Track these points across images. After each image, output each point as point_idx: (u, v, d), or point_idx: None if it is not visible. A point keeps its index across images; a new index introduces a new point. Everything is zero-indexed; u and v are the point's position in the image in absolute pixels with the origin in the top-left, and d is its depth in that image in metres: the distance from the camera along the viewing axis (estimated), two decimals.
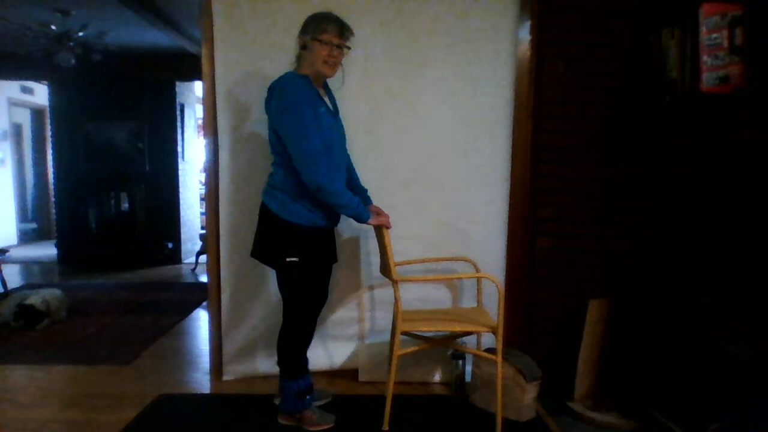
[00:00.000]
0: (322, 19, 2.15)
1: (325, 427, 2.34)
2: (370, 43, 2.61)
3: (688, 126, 2.38)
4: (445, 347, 2.74)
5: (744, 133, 2.03)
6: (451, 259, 2.75)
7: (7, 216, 7.99)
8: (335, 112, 2.35)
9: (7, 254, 5.20)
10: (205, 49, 2.69)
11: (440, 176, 2.76)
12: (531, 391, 2.45)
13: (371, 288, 2.84)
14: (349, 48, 2.21)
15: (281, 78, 2.17)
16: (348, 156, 2.46)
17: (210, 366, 2.91)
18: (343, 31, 2.16)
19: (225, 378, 2.86)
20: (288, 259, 2.20)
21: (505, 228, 2.79)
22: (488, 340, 2.70)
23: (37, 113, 8.57)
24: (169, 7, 4.75)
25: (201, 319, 4.12)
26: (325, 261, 2.37)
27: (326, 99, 2.29)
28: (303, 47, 2.17)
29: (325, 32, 2.13)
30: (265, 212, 2.24)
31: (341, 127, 2.34)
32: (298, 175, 2.11)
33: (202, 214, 7.19)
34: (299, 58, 2.21)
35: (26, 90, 8.10)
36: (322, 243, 2.32)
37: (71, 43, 5.02)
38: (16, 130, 8.75)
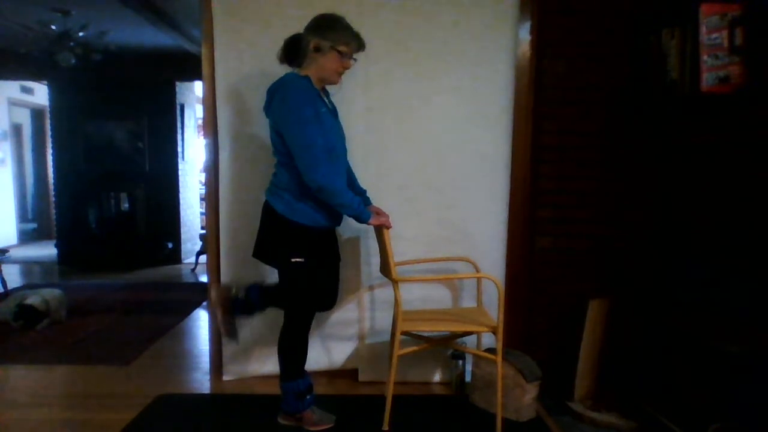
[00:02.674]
0: (344, 29, 2.16)
1: (325, 427, 2.34)
2: (369, 45, 2.60)
3: (688, 126, 2.38)
4: (445, 347, 2.74)
5: (744, 133, 2.03)
6: (451, 259, 2.75)
7: (7, 216, 7.99)
8: (335, 113, 2.35)
9: (7, 254, 5.20)
10: (205, 49, 2.69)
11: (440, 176, 2.76)
12: (531, 391, 2.45)
13: (371, 288, 2.84)
14: (356, 60, 2.24)
15: (282, 80, 2.16)
16: (347, 158, 2.46)
17: (210, 366, 2.91)
18: (361, 46, 2.21)
19: (225, 378, 2.86)
20: (293, 260, 2.20)
21: (505, 228, 2.79)
22: (488, 340, 2.70)
23: (37, 113, 8.57)
24: (169, 7, 4.75)
25: (201, 319, 4.12)
26: (329, 261, 2.37)
27: (326, 100, 2.29)
28: (316, 50, 2.15)
29: (347, 45, 2.16)
30: (269, 212, 2.24)
31: (341, 128, 2.35)
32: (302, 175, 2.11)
33: (202, 214, 7.19)
34: (306, 58, 2.20)
35: (26, 90, 8.11)
36: (326, 243, 2.33)
37: (71, 43, 5.02)
38: (16, 130, 8.76)
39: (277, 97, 2.12)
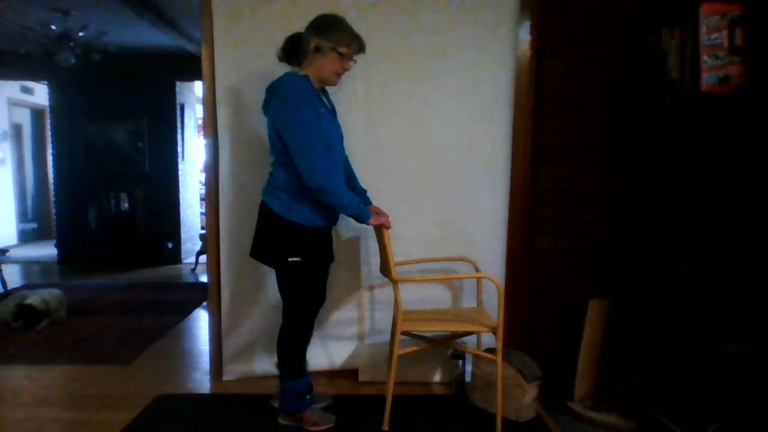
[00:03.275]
0: (344, 30, 2.16)
1: (325, 427, 2.34)
2: (370, 45, 2.60)
3: (688, 126, 2.38)
4: (445, 347, 2.74)
5: (744, 133, 2.03)
6: (451, 259, 2.75)
7: (7, 216, 7.99)
8: (334, 113, 2.35)
9: (7, 254, 5.20)
10: (205, 49, 2.69)
11: (440, 176, 2.76)
12: (531, 391, 2.45)
13: (371, 288, 2.84)
14: (356, 61, 2.24)
15: (281, 79, 2.16)
16: (346, 157, 2.46)
17: (210, 366, 2.91)
18: (361, 48, 2.21)
19: (225, 378, 2.86)
20: (290, 259, 2.20)
21: (505, 228, 2.79)
22: (488, 340, 2.70)
23: (37, 113, 8.57)
24: (169, 7, 4.75)
25: (201, 319, 4.12)
26: (325, 260, 2.37)
27: (325, 100, 2.29)
28: (316, 50, 2.15)
29: (347, 47, 2.16)
30: (266, 212, 2.24)
31: (339, 127, 2.35)
32: (300, 175, 2.11)
33: (202, 214, 7.19)
34: (306, 58, 2.20)
35: (26, 90, 8.10)
36: (322, 242, 2.33)
37: (71, 43, 5.02)
38: (16, 130, 8.76)
39: (276, 96, 2.12)
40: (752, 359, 1.84)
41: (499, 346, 2.26)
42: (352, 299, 2.84)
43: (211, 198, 2.78)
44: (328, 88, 2.36)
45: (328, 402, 2.55)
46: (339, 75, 2.22)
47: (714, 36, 1.96)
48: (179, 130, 6.58)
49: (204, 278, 5.53)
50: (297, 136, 2.08)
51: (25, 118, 8.83)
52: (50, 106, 6.54)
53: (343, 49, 2.15)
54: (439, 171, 2.76)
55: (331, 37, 2.14)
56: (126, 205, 6.50)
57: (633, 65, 2.62)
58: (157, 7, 4.74)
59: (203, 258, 5.47)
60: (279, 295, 2.33)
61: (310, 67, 2.19)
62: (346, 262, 2.75)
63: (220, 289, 2.80)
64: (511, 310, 2.67)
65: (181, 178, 6.66)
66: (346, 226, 2.68)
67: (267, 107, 2.20)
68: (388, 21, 2.68)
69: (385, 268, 2.39)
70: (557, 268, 2.77)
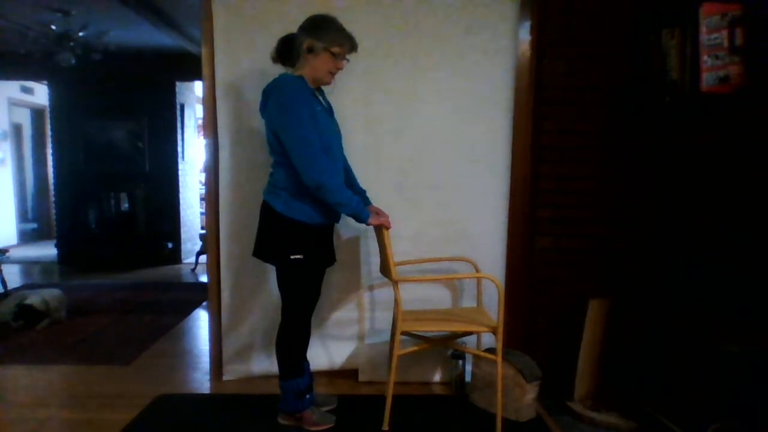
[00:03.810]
0: (337, 30, 2.17)
1: (325, 427, 2.34)
2: (369, 45, 2.61)
3: (688, 126, 2.38)
4: (445, 347, 2.74)
5: (744, 133, 2.03)
6: (451, 259, 2.75)
7: (7, 216, 7.99)
8: (331, 112, 2.35)
9: (7, 254, 5.20)
10: (205, 49, 2.69)
11: (440, 176, 2.76)
12: (531, 391, 2.45)
13: (371, 288, 2.84)
14: (348, 60, 2.25)
15: (277, 80, 2.16)
16: (345, 157, 2.46)
17: (210, 366, 2.91)
18: (354, 47, 2.22)
19: (225, 378, 2.86)
20: (292, 257, 2.20)
21: (505, 228, 2.79)
22: (488, 340, 2.70)
23: (37, 113, 8.57)
24: (169, 7, 4.75)
25: (201, 319, 4.12)
26: (325, 259, 2.37)
27: (321, 99, 2.30)
28: (309, 50, 2.16)
29: (340, 47, 2.17)
30: (268, 211, 2.24)
31: (337, 126, 2.35)
32: (299, 174, 2.11)
33: (202, 214, 7.19)
34: (299, 58, 2.21)
35: (26, 90, 8.10)
36: (323, 241, 2.33)
37: (71, 43, 5.02)
38: (16, 130, 8.76)
39: (273, 97, 2.13)
40: (752, 359, 1.84)
41: (499, 346, 2.26)
42: (352, 299, 2.84)
43: (211, 198, 2.78)
44: (324, 88, 2.36)
45: (333, 405, 2.54)
46: (333, 74, 2.23)
47: (714, 36, 1.96)
48: (179, 130, 6.58)
49: (204, 278, 5.54)
50: (293, 136, 2.09)
51: (25, 118, 8.83)
52: (50, 106, 6.54)
53: (335, 49, 2.16)
54: (438, 171, 2.76)
55: (323, 37, 2.14)
56: (126, 205, 6.51)
57: (633, 65, 2.62)
58: (157, 7, 4.74)
59: (203, 258, 5.47)
60: (279, 294, 2.33)
61: (304, 67, 2.20)
62: (346, 262, 2.75)
63: (220, 289, 2.80)
64: (511, 310, 2.67)
65: (181, 178, 6.66)
66: (346, 226, 2.69)
67: (263, 109, 2.20)
68: (388, 21, 2.67)
69: (385, 268, 2.39)
70: (557, 268, 2.77)
